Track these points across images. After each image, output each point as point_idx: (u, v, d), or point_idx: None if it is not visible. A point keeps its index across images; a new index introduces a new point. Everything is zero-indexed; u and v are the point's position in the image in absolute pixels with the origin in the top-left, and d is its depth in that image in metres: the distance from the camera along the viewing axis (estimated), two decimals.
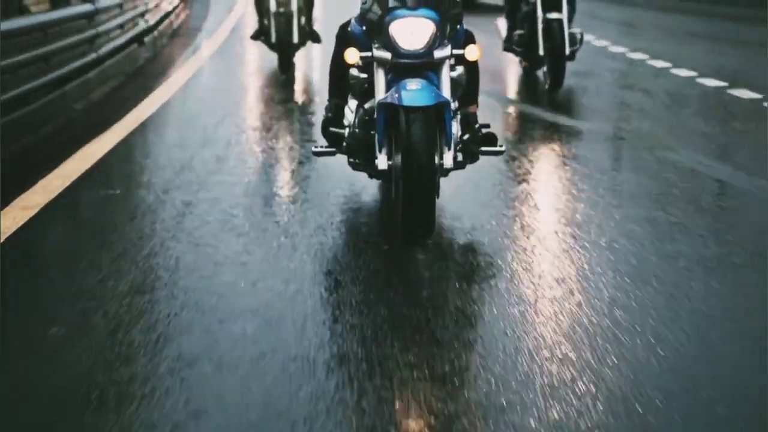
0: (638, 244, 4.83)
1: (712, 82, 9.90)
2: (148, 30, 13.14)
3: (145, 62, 12.16)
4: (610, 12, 18.82)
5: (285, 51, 11.07)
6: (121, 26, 11.36)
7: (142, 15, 12.87)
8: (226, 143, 7.19)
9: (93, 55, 9.64)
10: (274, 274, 4.47)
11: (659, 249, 4.74)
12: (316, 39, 11.60)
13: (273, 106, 9.15)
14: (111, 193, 6.00)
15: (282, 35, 10.96)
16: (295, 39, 11.06)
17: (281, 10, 10.99)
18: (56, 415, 3.13)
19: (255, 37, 11.54)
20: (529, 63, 10.11)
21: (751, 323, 3.84)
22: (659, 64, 11.32)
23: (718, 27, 15.99)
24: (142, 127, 7.93)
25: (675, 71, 10.71)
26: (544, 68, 9.60)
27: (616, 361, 3.43)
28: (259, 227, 5.19)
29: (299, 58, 11.64)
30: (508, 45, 10.18)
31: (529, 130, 8.03)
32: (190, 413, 3.08)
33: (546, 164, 6.70)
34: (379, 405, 3.14)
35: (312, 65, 12.06)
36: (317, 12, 11.78)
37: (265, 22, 11.23)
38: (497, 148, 5.33)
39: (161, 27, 14.37)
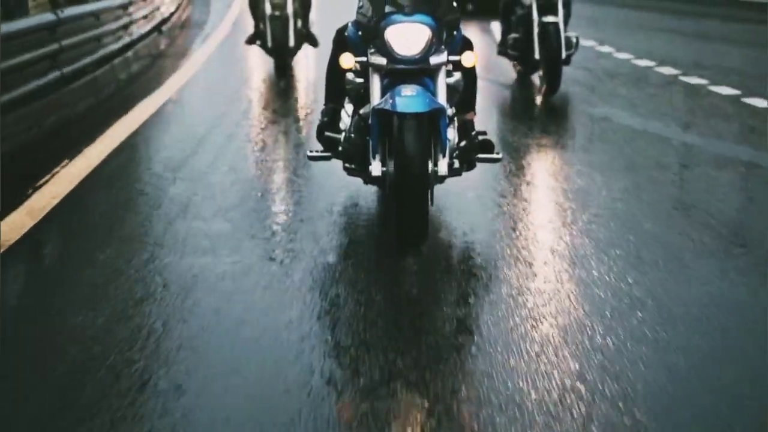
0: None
1: (643, 62, 11.73)
2: (164, 21, 15.15)
3: (165, 47, 14.02)
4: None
5: (281, 55, 10.92)
6: (145, 17, 13.53)
7: (158, 8, 14.92)
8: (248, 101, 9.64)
9: (127, 39, 12.01)
10: None
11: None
12: (314, 42, 11.39)
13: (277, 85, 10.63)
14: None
15: (278, 39, 10.78)
16: (292, 42, 10.90)
17: (277, 13, 10.79)
18: None
19: (250, 41, 11.31)
20: (524, 67, 9.97)
21: None
22: (604, 49, 13.03)
23: (674, 22, 17.62)
24: (180, 90, 10.35)
25: (616, 54, 12.53)
26: (540, 72, 9.54)
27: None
28: None
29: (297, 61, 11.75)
30: (503, 49, 10.02)
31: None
32: None
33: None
34: None
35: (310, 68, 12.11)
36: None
37: (261, 26, 11.02)
38: (494, 156, 5.32)
39: (172, 19, 16.18)
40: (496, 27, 10.56)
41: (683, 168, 6.83)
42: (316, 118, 5.72)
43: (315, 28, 11.61)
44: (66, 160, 6.74)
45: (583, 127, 8.44)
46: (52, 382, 3.39)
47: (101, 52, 10.56)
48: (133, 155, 7.36)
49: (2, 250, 4.81)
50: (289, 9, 10.77)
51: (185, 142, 7.45)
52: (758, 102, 8.93)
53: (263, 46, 10.98)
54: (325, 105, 5.45)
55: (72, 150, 7.02)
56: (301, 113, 8.98)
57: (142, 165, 7.06)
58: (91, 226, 5.49)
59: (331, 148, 5.38)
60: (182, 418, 3.11)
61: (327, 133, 5.38)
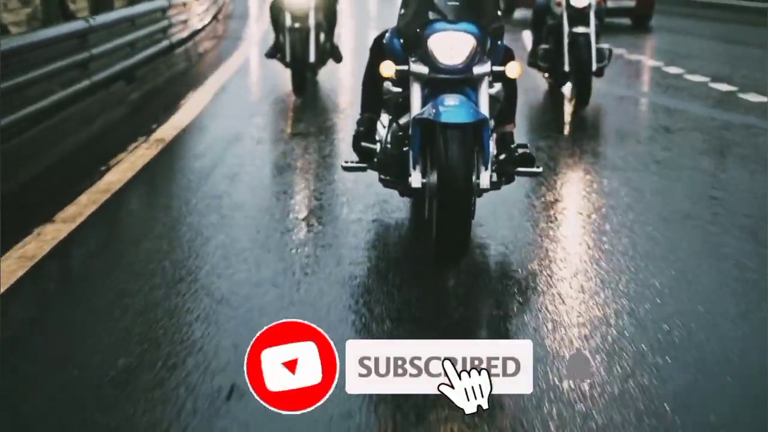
0: None
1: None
2: (218, 11, 17.64)
3: (222, 32, 15.90)
4: None
5: (300, 71, 9.99)
6: (206, 9, 15.59)
7: (214, 2, 17.16)
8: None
9: (191, 30, 13.67)
10: None
11: None
12: (338, 58, 10.63)
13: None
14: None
15: (297, 53, 9.88)
16: (312, 58, 9.99)
17: (297, 25, 9.93)
18: None
19: (270, 54, 10.47)
20: (554, 79, 9.80)
21: None
22: None
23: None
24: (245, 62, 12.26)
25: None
26: (570, 85, 9.41)
27: None
28: None
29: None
30: (533, 60, 9.81)
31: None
32: None
33: None
34: None
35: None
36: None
37: (281, 38, 10.20)
38: (534, 169, 5.19)
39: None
40: (527, 36, 10.40)
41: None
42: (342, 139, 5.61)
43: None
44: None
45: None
46: None
47: (164, 43, 11.67)
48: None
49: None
50: (311, 21, 9.95)
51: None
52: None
53: (282, 60, 10.23)
54: (360, 114, 5.34)
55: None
56: (328, 137, 8.19)
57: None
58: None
59: (366, 158, 5.28)
60: None
61: (363, 144, 5.25)
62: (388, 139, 5.11)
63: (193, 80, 11.23)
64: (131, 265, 4.76)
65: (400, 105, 4.99)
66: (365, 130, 5.27)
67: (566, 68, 9.20)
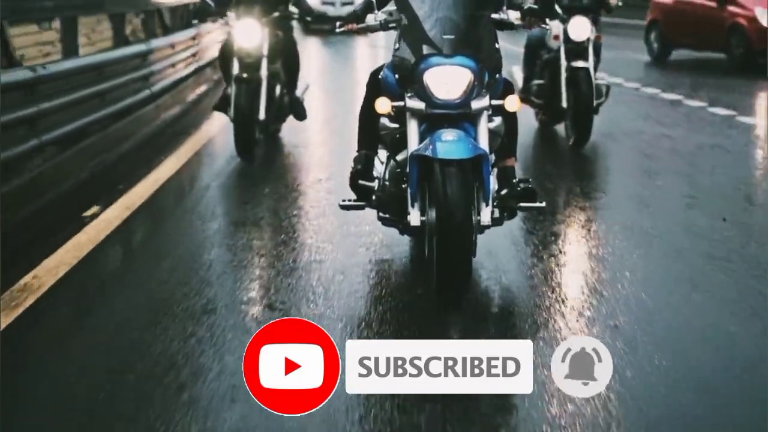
0: None
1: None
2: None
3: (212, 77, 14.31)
4: None
5: (244, 130, 8.26)
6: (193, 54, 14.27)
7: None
8: None
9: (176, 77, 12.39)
10: None
11: None
12: (300, 114, 9.05)
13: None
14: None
15: (242, 109, 8.22)
16: (262, 114, 8.33)
17: (245, 75, 8.31)
18: None
19: (218, 107, 8.81)
20: (549, 116, 9.56)
21: None
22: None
23: None
24: None
25: None
26: (567, 122, 9.12)
27: None
28: None
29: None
30: (526, 96, 9.38)
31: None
32: None
33: None
34: None
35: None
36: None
37: (228, 89, 8.61)
38: (537, 204, 5.16)
39: None
40: (517, 71, 10.02)
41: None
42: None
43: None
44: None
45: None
46: None
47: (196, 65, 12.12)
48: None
49: None
50: (263, 71, 8.34)
51: None
52: None
53: (229, 114, 8.59)
54: (357, 152, 5.32)
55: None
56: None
57: None
58: None
59: (364, 196, 5.26)
60: None
61: (360, 182, 5.19)
62: (386, 177, 5.09)
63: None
64: None
65: (398, 141, 4.97)
66: (362, 167, 5.25)
67: (564, 104, 8.93)
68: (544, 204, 5.23)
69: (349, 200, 5.31)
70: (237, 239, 5.84)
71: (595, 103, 8.82)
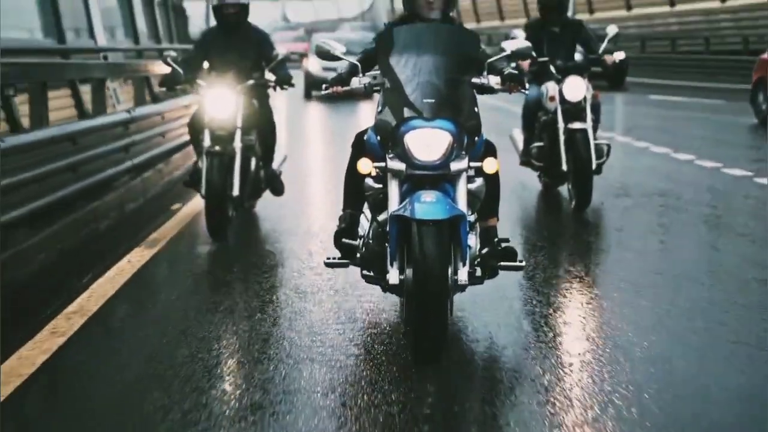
0: None
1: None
2: None
3: None
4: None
5: (217, 209, 7.67)
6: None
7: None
8: None
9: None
10: None
11: None
12: (277, 189, 8.67)
13: None
14: None
15: (214, 184, 7.64)
16: (236, 191, 7.82)
17: (217, 148, 7.75)
18: None
19: (189, 183, 8.27)
20: (550, 179, 9.49)
21: None
22: None
23: None
24: None
25: None
26: (568, 185, 9.03)
27: None
28: None
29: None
30: (526, 159, 9.43)
31: None
32: None
33: None
34: None
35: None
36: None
37: (199, 163, 8.06)
38: (517, 263, 5.29)
39: None
40: (517, 134, 9.81)
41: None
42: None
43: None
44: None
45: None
46: None
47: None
48: None
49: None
50: (237, 143, 7.83)
51: None
52: None
53: (200, 189, 7.94)
54: (342, 211, 5.44)
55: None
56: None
57: None
58: None
59: (348, 255, 5.41)
60: None
61: (344, 240, 5.36)
62: (370, 236, 5.21)
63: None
64: None
65: (381, 201, 5.12)
66: (347, 226, 5.42)
67: (564, 167, 8.83)
68: (524, 263, 5.39)
69: (334, 258, 5.49)
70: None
71: (595, 164, 8.69)
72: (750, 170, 10.84)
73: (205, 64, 8.23)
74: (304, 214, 9.21)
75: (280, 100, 21.24)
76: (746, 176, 10.51)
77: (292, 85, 8.22)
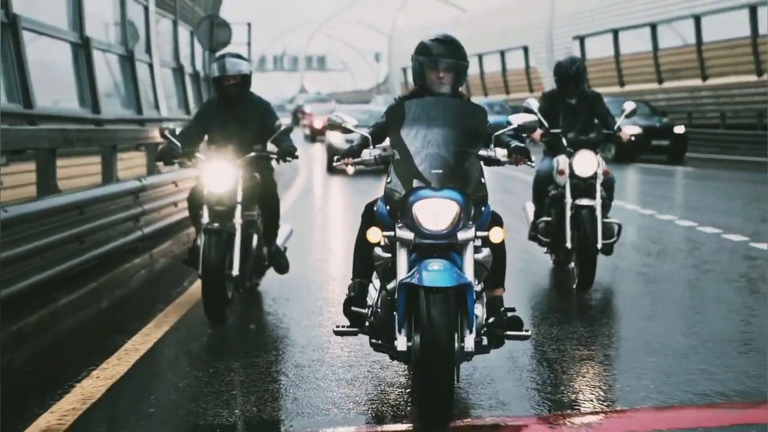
0: None
1: None
2: None
3: None
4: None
5: (214, 290, 7.29)
6: None
7: None
8: None
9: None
10: None
11: None
12: (281, 267, 8.32)
13: None
14: None
15: (211, 263, 7.25)
16: (236, 270, 7.47)
17: (215, 225, 7.40)
18: None
19: (188, 261, 7.96)
20: (556, 255, 9.26)
21: None
22: None
23: None
24: None
25: None
26: (572, 263, 8.81)
27: None
28: None
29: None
30: (534, 234, 9.25)
31: None
32: None
33: None
34: None
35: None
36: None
37: (198, 240, 7.76)
38: (523, 333, 5.46)
39: None
40: (529, 207, 9.59)
41: None
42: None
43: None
44: None
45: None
46: None
47: None
48: None
49: None
50: (237, 219, 7.49)
51: None
52: None
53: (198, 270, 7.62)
54: (352, 279, 5.59)
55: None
56: None
57: None
58: None
59: (358, 323, 5.58)
60: None
61: (354, 308, 5.52)
62: (379, 304, 5.32)
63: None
64: None
65: (390, 270, 5.26)
66: (356, 294, 5.58)
67: (568, 244, 8.60)
68: (529, 333, 5.52)
69: (343, 326, 5.63)
70: None
71: (600, 243, 8.39)
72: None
73: (205, 137, 7.99)
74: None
75: (302, 176, 20.99)
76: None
77: (296, 157, 7.80)
